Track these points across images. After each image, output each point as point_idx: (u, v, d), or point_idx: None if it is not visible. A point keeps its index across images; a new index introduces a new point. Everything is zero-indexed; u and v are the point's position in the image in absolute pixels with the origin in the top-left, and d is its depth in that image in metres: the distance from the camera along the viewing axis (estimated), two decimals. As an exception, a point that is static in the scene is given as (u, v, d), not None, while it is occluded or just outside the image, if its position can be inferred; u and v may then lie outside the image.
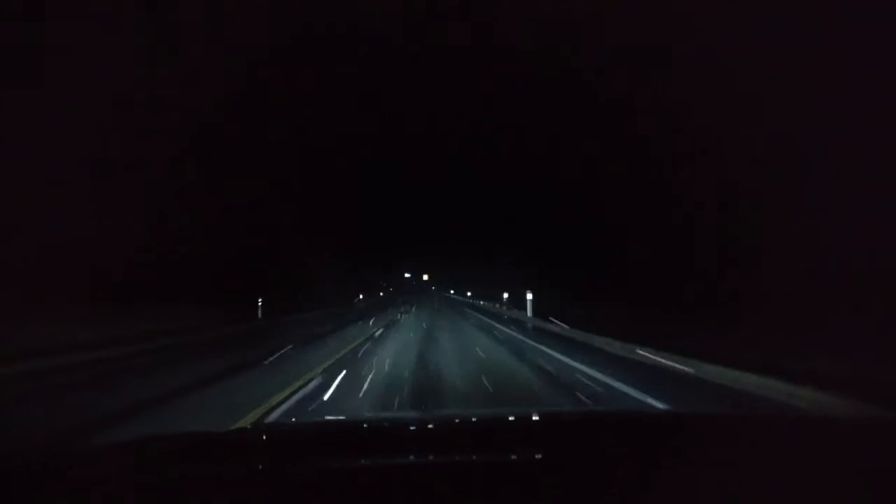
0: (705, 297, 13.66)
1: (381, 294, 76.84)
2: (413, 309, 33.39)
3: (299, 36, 20.82)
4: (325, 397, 6.37)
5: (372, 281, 72.37)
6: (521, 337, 15.10)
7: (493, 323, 21.23)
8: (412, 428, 1.79)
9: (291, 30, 19.87)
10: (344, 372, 8.21)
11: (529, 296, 22.85)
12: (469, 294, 58.66)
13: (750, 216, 12.41)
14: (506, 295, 30.50)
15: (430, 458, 1.36)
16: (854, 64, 10.28)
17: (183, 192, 16.88)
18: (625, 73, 17.39)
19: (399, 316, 25.86)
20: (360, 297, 47.02)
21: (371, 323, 20.33)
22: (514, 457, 1.34)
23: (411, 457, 1.37)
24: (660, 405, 5.87)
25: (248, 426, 3.33)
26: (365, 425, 1.93)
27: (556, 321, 17.08)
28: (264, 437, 1.60)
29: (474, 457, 1.33)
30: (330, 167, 34.43)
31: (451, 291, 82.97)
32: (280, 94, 22.07)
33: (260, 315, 20.52)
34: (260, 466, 1.27)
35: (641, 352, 9.79)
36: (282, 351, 10.96)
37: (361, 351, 11.20)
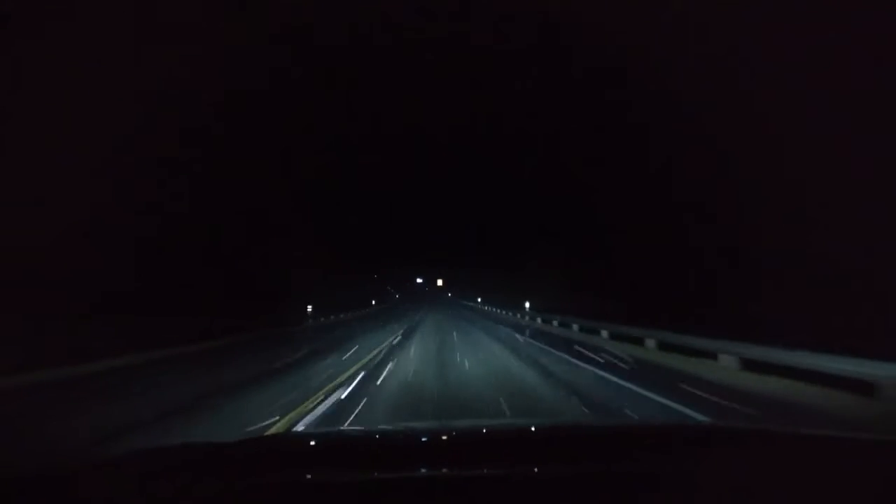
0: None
1: (374, 303, 53.60)
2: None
3: (299, 36, 20.78)
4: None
5: (370, 288, 58.65)
6: None
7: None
8: (424, 440, 1.76)
9: (291, 30, 19.82)
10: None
11: None
12: (528, 306, 27.40)
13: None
14: None
15: (444, 470, 1.32)
16: (854, 64, 10.27)
17: (177, 194, 16.61)
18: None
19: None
20: (309, 309, 27.02)
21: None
22: (534, 471, 1.28)
23: (423, 470, 1.34)
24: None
25: (259, 437, 3.30)
26: (378, 436, 1.90)
27: None
28: (273, 449, 1.59)
29: (489, 470, 1.27)
30: (325, 168, 33.91)
31: (479, 300, 57.65)
32: (280, 94, 22.02)
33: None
34: (266, 478, 1.26)
35: None
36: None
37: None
